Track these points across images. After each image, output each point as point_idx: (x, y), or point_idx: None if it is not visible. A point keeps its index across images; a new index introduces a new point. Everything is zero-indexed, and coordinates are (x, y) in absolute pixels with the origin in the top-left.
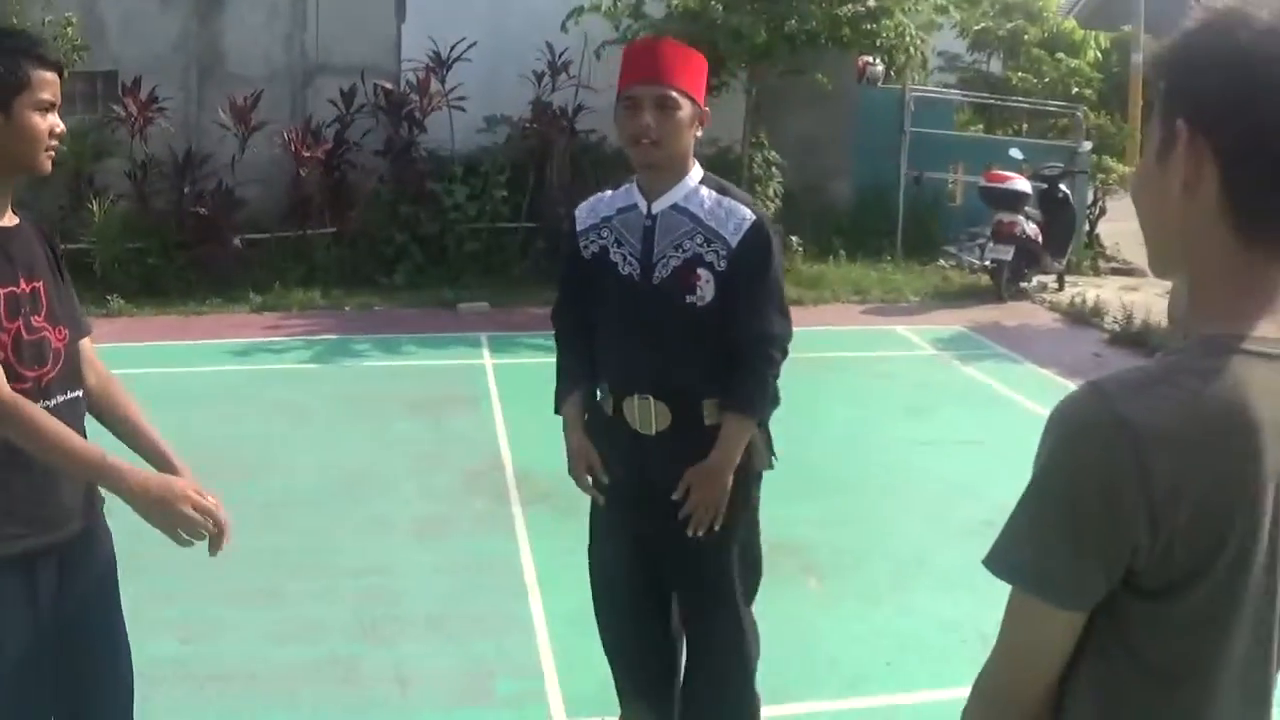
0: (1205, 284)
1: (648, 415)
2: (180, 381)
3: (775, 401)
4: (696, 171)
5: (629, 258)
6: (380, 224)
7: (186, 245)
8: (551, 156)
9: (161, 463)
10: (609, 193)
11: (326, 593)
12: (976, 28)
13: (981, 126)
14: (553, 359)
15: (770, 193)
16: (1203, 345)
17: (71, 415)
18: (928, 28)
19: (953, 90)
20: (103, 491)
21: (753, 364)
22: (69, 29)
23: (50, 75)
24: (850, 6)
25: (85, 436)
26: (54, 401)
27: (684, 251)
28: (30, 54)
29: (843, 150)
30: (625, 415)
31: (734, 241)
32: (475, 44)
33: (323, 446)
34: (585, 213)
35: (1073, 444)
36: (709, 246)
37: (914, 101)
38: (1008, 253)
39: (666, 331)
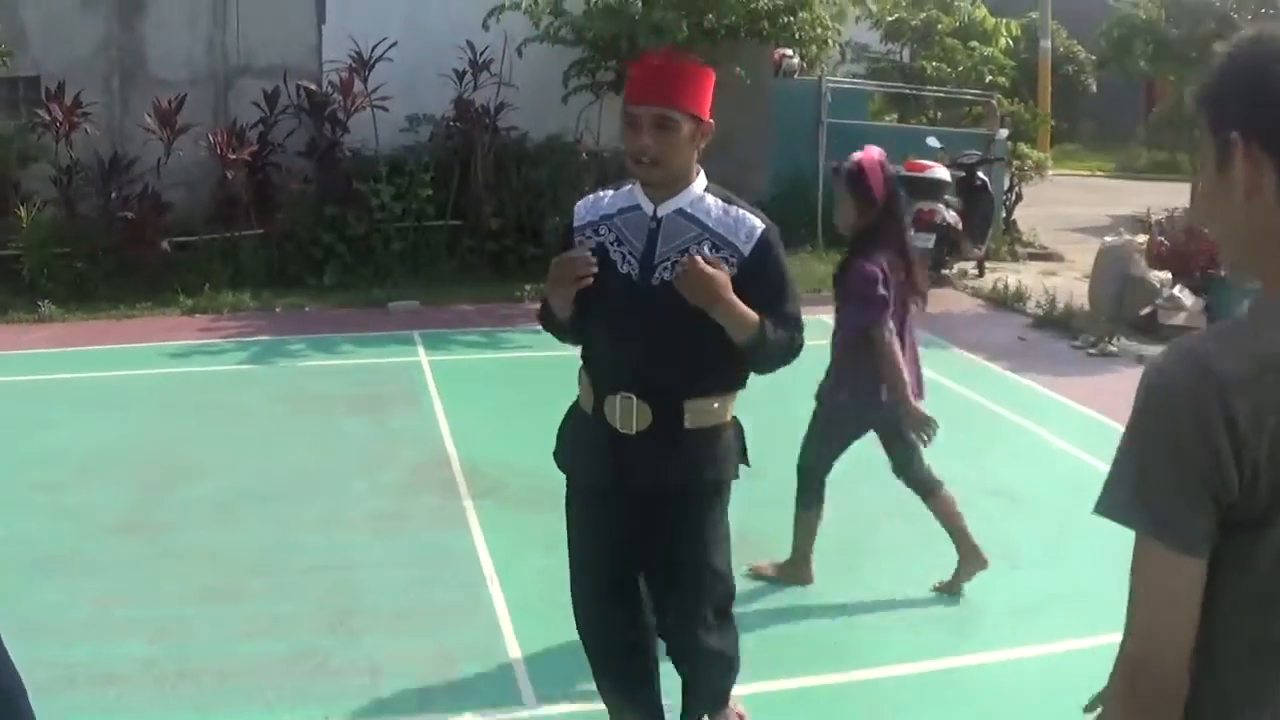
0: (1275, 271)
1: (629, 414)
2: (116, 385)
3: (785, 358)
4: (701, 180)
5: (628, 257)
6: (307, 225)
7: (115, 249)
8: (475, 154)
9: None
10: (609, 192)
11: (289, 588)
12: (890, 18)
13: (895, 116)
14: (488, 356)
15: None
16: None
17: None
18: (840, 18)
19: (869, 81)
20: None
21: (783, 333)
22: None
23: None
24: (768, 1)
25: None
26: None
27: (688, 256)
28: None
29: (761, 142)
30: (606, 414)
31: (746, 250)
32: (396, 44)
33: (267, 446)
34: (584, 210)
35: (1167, 396)
36: (718, 253)
37: (830, 93)
38: (929, 240)
39: (659, 332)
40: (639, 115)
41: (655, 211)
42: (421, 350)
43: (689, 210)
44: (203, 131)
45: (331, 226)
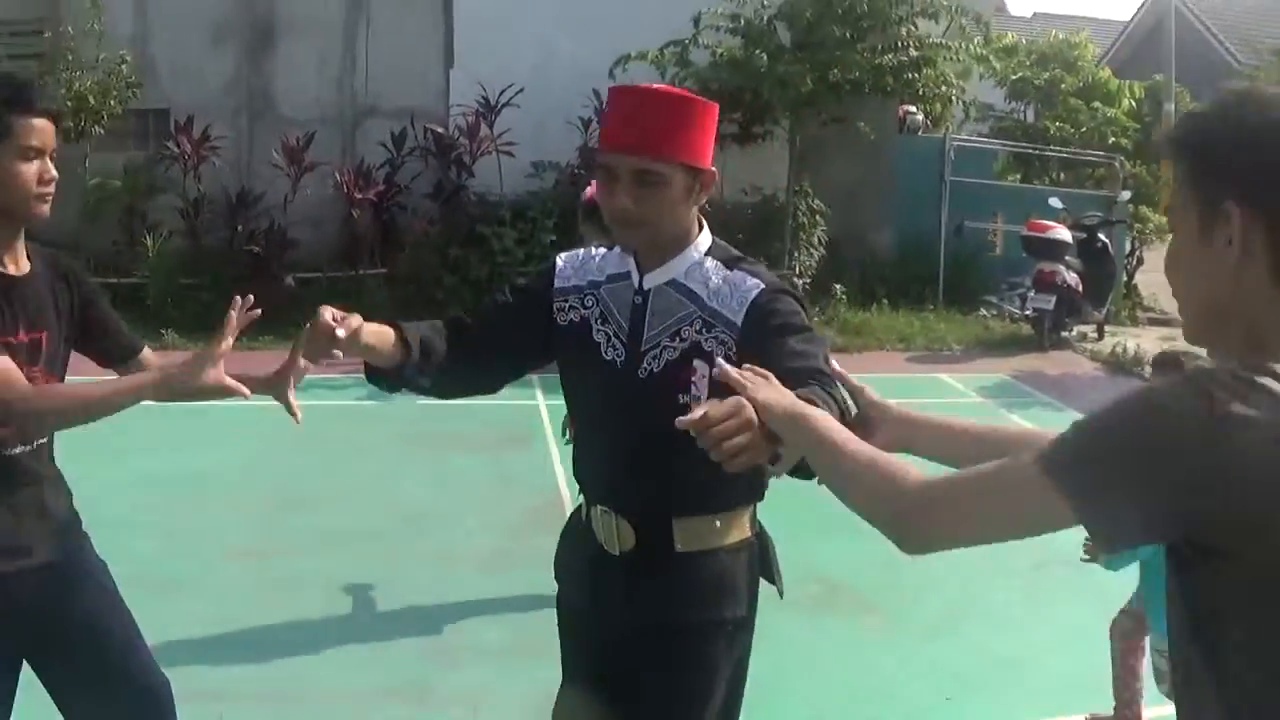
0: (1254, 334)
1: (611, 532)
2: (236, 415)
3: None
4: (704, 239)
5: (614, 339)
6: (430, 266)
7: (238, 282)
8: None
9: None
10: (603, 251)
11: (396, 619)
12: (1014, 77)
13: (1019, 176)
14: None
15: (814, 241)
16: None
17: (37, 461)
18: (965, 75)
19: (992, 139)
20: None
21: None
22: (123, 66)
23: (38, 122)
24: (893, 56)
25: (61, 488)
26: (29, 448)
27: (681, 340)
28: (13, 102)
29: (885, 199)
30: (592, 527)
31: (739, 320)
32: (523, 90)
33: (383, 481)
34: (570, 268)
35: (1161, 418)
36: (709, 332)
37: (954, 150)
38: (1049, 302)
39: (645, 436)
40: (614, 167)
41: (641, 283)
42: (539, 394)
43: (683, 280)
44: (329, 170)
45: (454, 269)
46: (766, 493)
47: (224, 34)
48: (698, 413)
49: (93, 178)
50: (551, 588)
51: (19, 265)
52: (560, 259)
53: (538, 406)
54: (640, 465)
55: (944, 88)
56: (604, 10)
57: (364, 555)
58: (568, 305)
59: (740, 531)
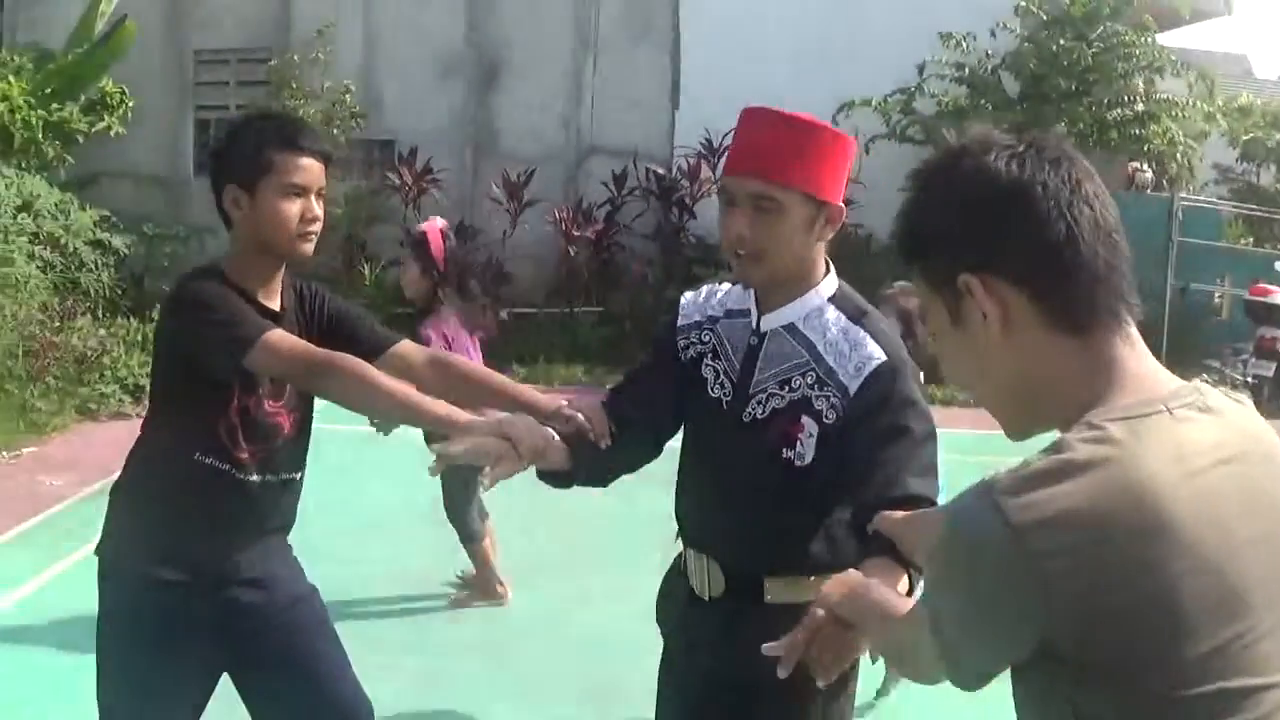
0: (1060, 390)
1: (702, 576)
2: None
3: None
4: (829, 283)
5: (723, 377)
6: (646, 306)
7: None
8: None
9: (508, 400)
10: (725, 286)
11: (553, 655)
12: (1245, 138)
13: (1249, 239)
14: None
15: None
16: (1081, 431)
17: (281, 494)
18: (1199, 138)
19: (1221, 201)
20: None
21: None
22: (347, 96)
23: (304, 160)
24: (1119, 111)
25: (288, 518)
26: (269, 478)
27: (791, 390)
28: (279, 139)
29: None
30: (687, 568)
31: (852, 388)
32: None
33: (570, 517)
34: (692, 306)
35: (968, 558)
36: (820, 390)
37: (1182, 210)
38: (1269, 369)
39: (744, 486)
40: (732, 191)
41: (759, 323)
42: None
43: (800, 327)
44: (549, 207)
45: (670, 310)
46: None
47: (451, 69)
48: (783, 647)
49: None
50: None
51: (276, 301)
52: (684, 297)
53: None
54: (735, 513)
55: (1173, 146)
56: (831, 55)
57: (536, 589)
58: (689, 342)
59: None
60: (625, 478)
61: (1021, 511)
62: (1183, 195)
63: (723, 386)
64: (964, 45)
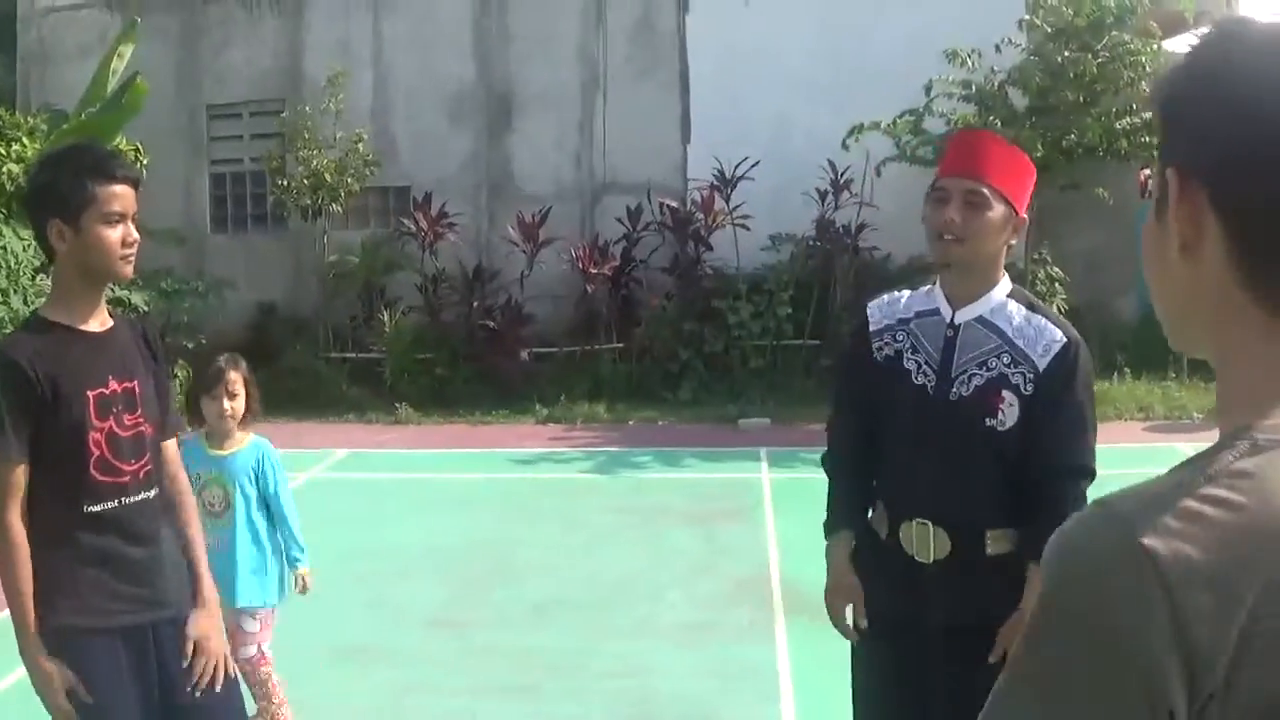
0: (1228, 362)
1: (925, 542)
2: (459, 487)
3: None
4: (1006, 283)
5: (924, 366)
6: (666, 340)
7: (475, 357)
8: (835, 274)
9: (192, 586)
10: (906, 293)
11: (583, 691)
12: None
13: None
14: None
15: (1054, 309)
16: (1234, 444)
17: (151, 512)
18: None
19: None
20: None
21: (1059, 501)
22: (359, 144)
23: (119, 189)
24: (1128, 119)
25: (158, 535)
26: (146, 495)
27: (989, 370)
28: (95, 171)
29: (1126, 265)
30: (901, 540)
31: (1042, 365)
32: (758, 163)
33: (593, 553)
34: (880, 311)
35: (1083, 586)
36: (1016, 368)
37: None
38: None
39: (957, 454)
40: (948, 188)
41: (953, 318)
42: (765, 466)
43: (989, 317)
44: (565, 245)
45: (689, 343)
46: None
47: (462, 112)
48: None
49: (331, 255)
50: (748, 658)
51: (103, 322)
52: (869, 307)
53: (760, 480)
54: (955, 480)
55: None
56: (838, 81)
57: (562, 626)
58: (884, 342)
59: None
60: (648, 511)
61: (1154, 533)
62: None
63: (925, 375)
64: (970, 63)
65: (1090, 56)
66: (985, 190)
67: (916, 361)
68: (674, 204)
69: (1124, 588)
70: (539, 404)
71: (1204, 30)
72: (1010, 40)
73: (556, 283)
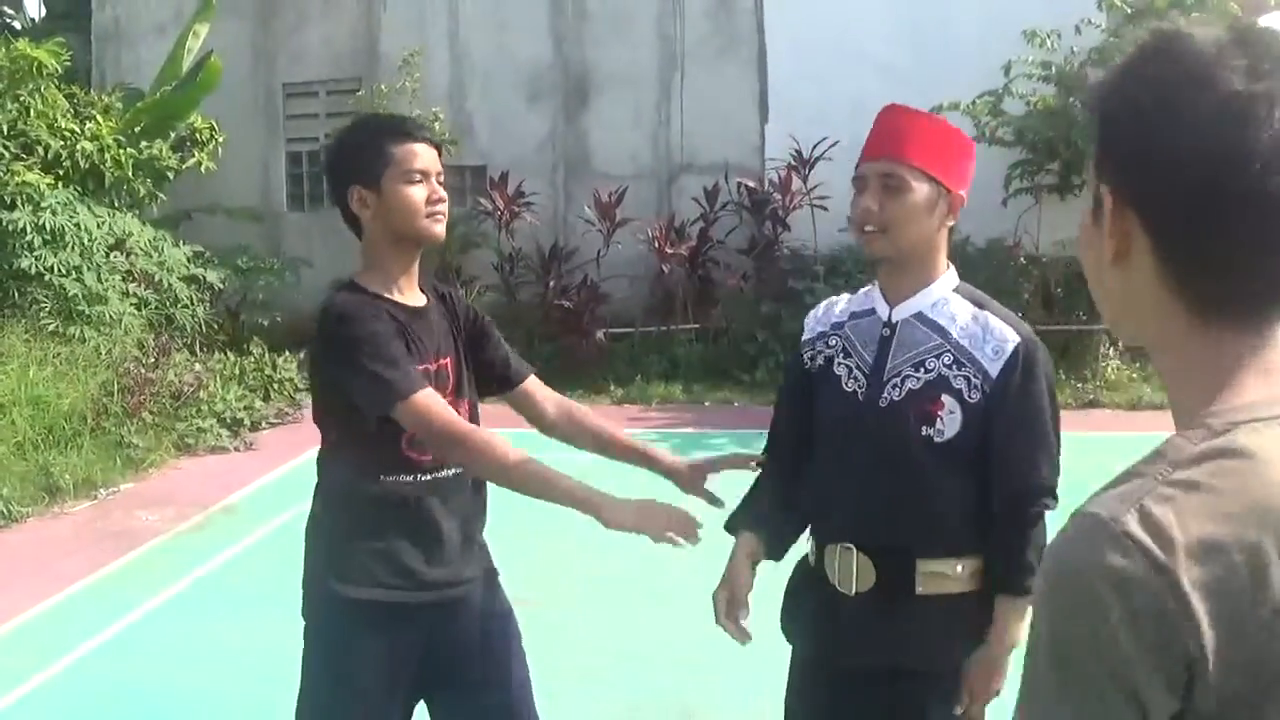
0: (1163, 353)
1: (848, 571)
2: None
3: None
4: (950, 277)
5: (855, 371)
6: (743, 321)
7: (550, 336)
8: None
9: (643, 460)
10: (846, 296)
11: (641, 678)
12: None
13: None
14: None
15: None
16: (1190, 432)
17: (459, 487)
18: None
19: None
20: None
21: (1025, 525)
22: (436, 123)
23: (418, 146)
24: None
25: (472, 513)
26: (452, 472)
27: (925, 372)
28: (390, 132)
29: None
30: (826, 567)
31: (993, 370)
32: (837, 143)
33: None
34: (814, 319)
35: (1089, 596)
36: (959, 370)
37: None
38: None
39: (888, 468)
40: (864, 174)
41: (890, 316)
42: None
43: (929, 314)
44: (642, 225)
45: (766, 324)
46: None
47: (539, 91)
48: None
49: None
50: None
51: (417, 296)
52: (808, 317)
53: None
54: (884, 497)
55: None
56: (916, 61)
57: (627, 610)
58: (815, 350)
59: (975, 581)
60: (723, 494)
61: (1137, 524)
62: None
63: (856, 380)
64: (1049, 43)
65: None
66: (903, 171)
67: (847, 366)
68: (751, 184)
69: (1124, 577)
70: (614, 384)
71: (1144, 41)
72: (1090, 21)
73: (633, 263)
